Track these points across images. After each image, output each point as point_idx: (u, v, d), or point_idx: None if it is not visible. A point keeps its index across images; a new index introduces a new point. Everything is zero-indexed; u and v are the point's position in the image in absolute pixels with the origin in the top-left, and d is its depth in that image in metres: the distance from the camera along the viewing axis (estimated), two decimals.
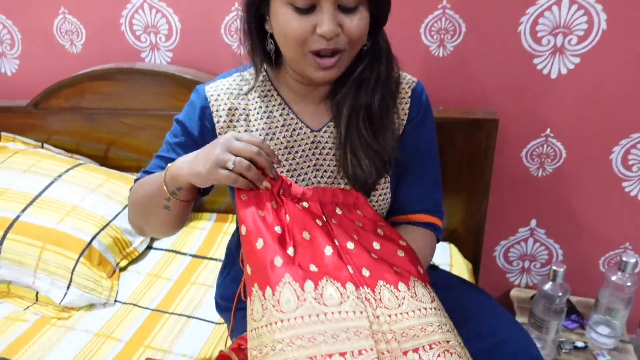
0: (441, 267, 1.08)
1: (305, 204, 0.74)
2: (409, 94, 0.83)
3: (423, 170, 0.87)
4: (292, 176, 0.81)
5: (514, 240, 1.43)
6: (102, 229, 1.25)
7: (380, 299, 0.66)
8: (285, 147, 0.81)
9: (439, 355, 0.62)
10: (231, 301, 0.85)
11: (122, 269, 1.28)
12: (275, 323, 0.61)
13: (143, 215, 0.82)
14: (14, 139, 1.51)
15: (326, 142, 0.82)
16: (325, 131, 0.82)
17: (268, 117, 0.82)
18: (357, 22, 0.70)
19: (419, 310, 0.67)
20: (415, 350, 0.62)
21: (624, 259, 1.19)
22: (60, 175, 1.34)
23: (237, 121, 0.82)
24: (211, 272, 1.25)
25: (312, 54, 0.70)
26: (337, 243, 0.70)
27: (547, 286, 1.18)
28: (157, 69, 1.37)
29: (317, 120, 0.83)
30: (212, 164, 0.65)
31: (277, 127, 0.81)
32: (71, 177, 1.34)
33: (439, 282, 0.91)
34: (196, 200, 0.89)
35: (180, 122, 0.83)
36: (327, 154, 0.82)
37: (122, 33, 1.42)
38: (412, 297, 0.68)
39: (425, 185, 0.87)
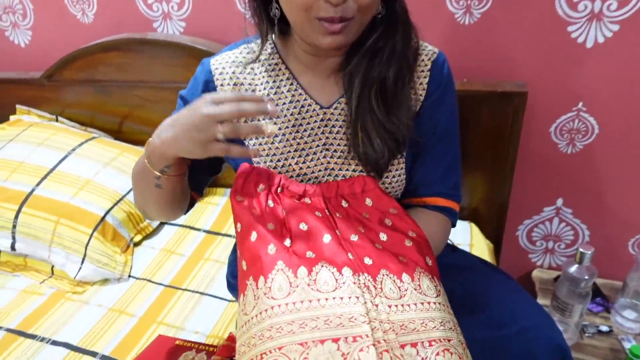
0: (461, 247, 1.04)
1: (307, 200, 0.70)
2: (429, 66, 0.77)
3: (441, 151, 0.81)
4: (300, 156, 0.76)
5: (538, 220, 1.37)
6: (115, 204, 1.24)
7: (381, 288, 0.62)
8: (294, 125, 0.76)
9: (437, 354, 0.59)
10: None
11: (136, 244, 1.27)
12: (266, 311, 0.58)
13: (141, 197, 0.80)
14: (28, 111, 1.50)
15: (336, 120, 0.76)
16: (335, 108, 0.77)
17: (275, 93, 0.77)
18: None
19: (422, 304, 0.63)
20: (414, 345, 0.58)
21: None
22: (74, 149, 1.33)
23: None
24: (225, 248, 1.24)
25: (318, 19, 0.65)
26: (338, 233, 0.66)
27: (573, 269, 1.13)
28: (169, 39, 1.33)
29: (327, 96, 0.77)
30: (201, 144, 0.62)
31: (284, 103, 0.76)
32: (85, 150, 1.33)
33: (460, 264, 0.88)
34: (205, 179, 0.86)
35: (183, 99, 0.80)
36: (337, 132, 0.77)
37: (134, 1, 1.37)
38: (415, 289, 0.64)
39: (443, 167, 0.82)
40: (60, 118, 1.50)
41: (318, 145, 0.77)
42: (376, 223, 0.71)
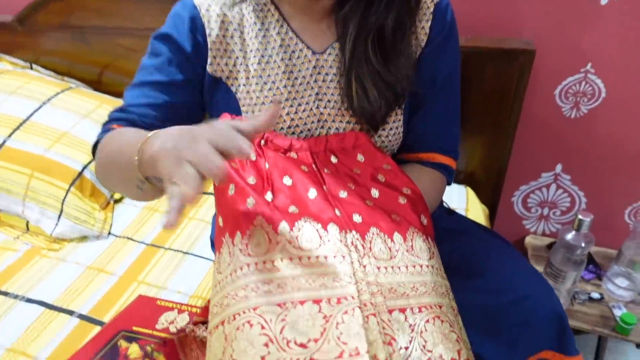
0: (457, 211, 0.99)
1: (293, 155, 0.64)
2: (431, 9, 0.70)
3: (440, 103, 0.75)
4: (291, 106, 0.70)
5: (535, 186, 1.34)
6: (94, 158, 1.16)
7: (370, 248, 0.56)
8: (284, 72, 0.69)
9: (427, 321, 0.54)
10: None
11: (117, 201, 1.21)
12: (241, 268, 0.52)
13: (111, 183, 0.70)
14: (1, 58, 1.40)
15: (330, 67, 0.70)
16: (329, 54, 0.70)
17: (264, 37, 0.69)
18: None
19: (413, 266, 0.58)
20: (402, 311, 0.54)
21: None
22: (49, 99, 1.24)
23: (231, 37, 0.70)
24: (210, 208, 1.18)
25: None
26: (325, 189, 0.60)
27: (570, 236, 1.10)
28: None
29: (320, 41, 0.70)
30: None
31: (273, 47, 0.69)
32: (61, 101, 1.25)
33: (457, 228, 0.83)
34: None
35: (165, 36, 0.71)
36: (330, 80, 0.70)
37: None
38: (407, 250, 0.59)
39: (441, 121, 0.76)
40: (34, 66, 1.41)
41: (310, 95, 0.70)
42: (368, 179, 0.65)
